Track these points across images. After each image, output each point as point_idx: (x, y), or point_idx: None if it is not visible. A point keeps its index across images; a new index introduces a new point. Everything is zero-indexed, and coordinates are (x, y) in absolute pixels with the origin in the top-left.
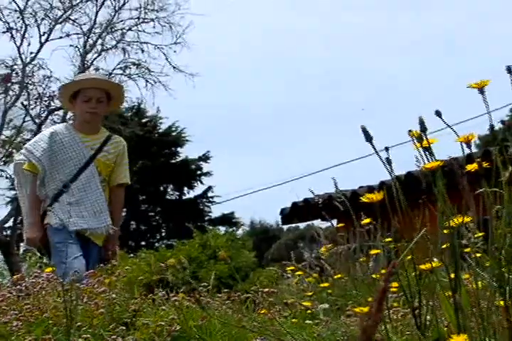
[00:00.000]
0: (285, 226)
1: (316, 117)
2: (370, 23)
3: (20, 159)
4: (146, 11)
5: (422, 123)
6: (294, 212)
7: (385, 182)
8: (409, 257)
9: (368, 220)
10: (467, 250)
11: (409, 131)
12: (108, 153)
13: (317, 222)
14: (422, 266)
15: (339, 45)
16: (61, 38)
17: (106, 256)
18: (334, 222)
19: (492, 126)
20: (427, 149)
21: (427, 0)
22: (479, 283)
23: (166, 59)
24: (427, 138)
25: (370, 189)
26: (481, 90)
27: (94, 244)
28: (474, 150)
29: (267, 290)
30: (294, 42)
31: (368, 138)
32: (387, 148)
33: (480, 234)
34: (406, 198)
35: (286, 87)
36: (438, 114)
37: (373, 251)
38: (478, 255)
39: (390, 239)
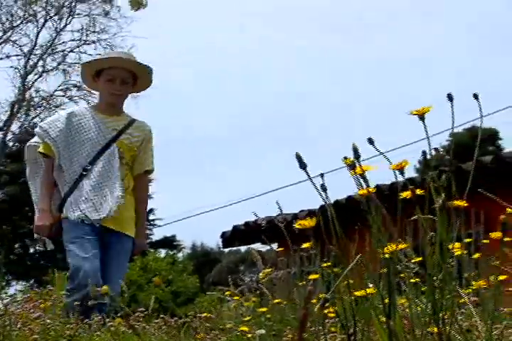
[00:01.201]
0: (226, 250)
1: (261, 140)
2: (313, 47)
3: (35, 141)
4: (88, 33)
5: (355, 150)
6: (235, 236)
7: (337, 201)
8: (345, 282)
9: (307, 244)
10: (403, 275)
11: (344, 157)
12: (132, 136)
13: (257, 246)
14: (357, 293)
15: (282, 67)
16: (1, 59)
17: (136, 248)
18: (275, 245)
19: (425, 153)
20: (362, 176)
21: (364, 26)
22: (416, 308)
23: None
24: (360, 165)
25: (311, 212)
26: (422, 117)
27: (121, 234)
28: (416, 174)
29: (204, 315)
30: (240, 63)
31: (302, 165)
32: (322, 175)
33: (417, 260)
34: (348, 222)
35: (230, 109)
36: (370, 141)
37: (312, 276)
38: (415, 280)
39: (328, 264)
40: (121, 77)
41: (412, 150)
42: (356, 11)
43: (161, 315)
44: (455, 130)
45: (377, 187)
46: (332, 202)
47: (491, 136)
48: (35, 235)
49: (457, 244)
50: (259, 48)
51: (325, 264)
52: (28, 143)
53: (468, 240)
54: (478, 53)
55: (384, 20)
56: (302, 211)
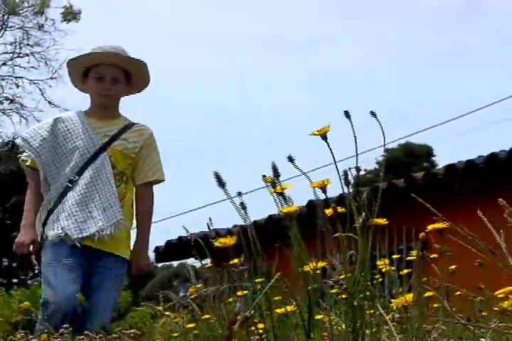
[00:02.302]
0: (160, 264)
1: (196, 155)
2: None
3: (24, 155)
4: (21, 45)
5: (275, 169)
6: (168, 250)
7: (257, 221)
8: (275, 298)
9: (236, 260)
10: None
11: (263, 176)
12: (128, 142)
13: (191, 261)
14: (278, 310)
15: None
16: None
17: (133, 269)
18: (208, 260)
19: (345, 172)
20: (281, 194)
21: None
22: (337, 326)
23: (42, 94)
24: (280, 184)
25: (243, 228)
26: (324, 136)
27: (110, 255)
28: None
29: (131, 331)
30: (176, 82)
31: (221, 183)
32: (239, 193)
33: (344, 276)
34: (274, 238)
35: (164, 124)
36: (290, 159)
37: (241, 292)
38: (340, 297)
39: (259, 280)
40: (110, 74)
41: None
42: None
43: (86, 332)
44: (389, 145)
45: (310, 202)
46: (267, 216)
47: (426, 152)
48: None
49: (385, 261)
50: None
51: (256, 280)
52: (20, 159)
53: (395, 256)
54: (412, 70)
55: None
56: (235, 226)
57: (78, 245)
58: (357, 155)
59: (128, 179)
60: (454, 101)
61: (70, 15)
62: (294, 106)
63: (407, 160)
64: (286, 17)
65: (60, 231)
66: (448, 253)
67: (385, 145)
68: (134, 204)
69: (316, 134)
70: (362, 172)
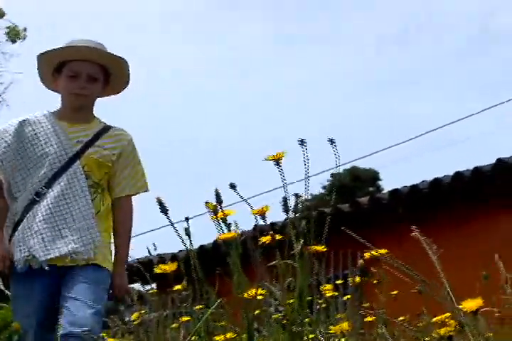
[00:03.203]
0: None
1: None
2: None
3: None
4: None
5: (217, 195)
6: None
7: (204, 246)
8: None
9: (179, 286)
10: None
11: (206, 202)
12: (103, 149)
13: (137, 286)
14: (217, 338)
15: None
16: None
17: (115, 291)
18: (153, 285)
19: (285, 199)
20: (224, 220)
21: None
22: None
23: None
24: (222, 210)
25: (196, 250)
26: (277, 162)
27: (88, 266)
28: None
29: None
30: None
31: (164, 210)
32: (187, 219)
33: (283, 303)
34: (220, 263)
35: None
36: (232, 186)
37: (184, 318)
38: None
39: (200, 306)
40: (86, 71)
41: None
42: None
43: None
44: (336, 170)
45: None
46: (213, 241)
47: (372, 177)
48: None
49: (328, 286)
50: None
51: (197, 307)
52: None
53: (339, 282)
54: (356, 96)
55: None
56: (181, 251)
57: (46, 268)
58: (284, 183)
59: (104, 190)
60: (400, 125)
61: (14, 34)
62: (233, 130)
63: (353, 184)
64: (226, 40)
65: (27, 254)
66: (383, 280)
67: (337, 167)
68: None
69: (270, 159)
70: (306, 197)
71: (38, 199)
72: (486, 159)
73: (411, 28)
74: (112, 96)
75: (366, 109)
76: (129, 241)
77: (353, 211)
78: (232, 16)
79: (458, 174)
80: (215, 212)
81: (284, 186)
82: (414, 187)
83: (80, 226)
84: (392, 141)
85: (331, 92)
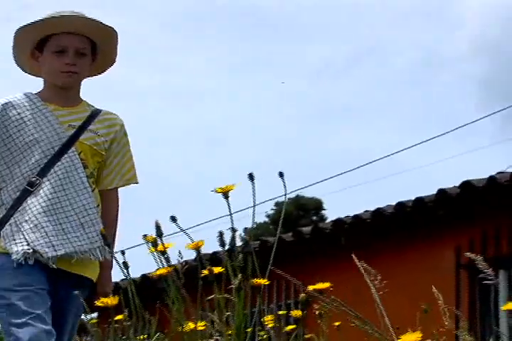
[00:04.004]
0: None
1: None
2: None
3: None
4: None
5: (158, 227)
6: None
7: (146, 275)
8: None
9: (120, 316)
10: None
11: (144, 235)
12: (97, 135)
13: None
14: None
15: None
16: None
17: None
18: (95, 315)
19: (220, 233)
20: (163, 253)
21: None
22: None
23: None
24: (162, 243)
25: (134, 281)
26: (225, 195)
27: (76, 280)
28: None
29: None
30: None
31: (106, 243)
32: (123, 252)
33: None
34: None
35: None
36: (173, 219)
37: None
38: None
39: (142, 337)
40: (75, 46)
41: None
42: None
43: None
44: (280, 199)
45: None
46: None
47: (316, 206)
48: None
49: (270, 317)
50: None
51: (139, 337)
52: None
53: (281, 312)
54: (302, 124)
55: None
56: (123, 279)
57: (53, 266)
58: (231, 215)
59: (95, 182)
60: (345, 155)
61: None
62: (175, 161)
63: (297, 213)
64: (172, 69)
65: (27, 247)
66: (325, 312)
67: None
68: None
69: (218, 192)
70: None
71: (31, 189)
72: (428, 189)
73: (355, 58)
74: (94, 77)
75: (312, 138)
76: (115, 237)
77: (295, 240)
78: (170, 45)
79: (400, 204)
80: (155, 245)
81: (231, 218)
82: (356, 216)
83: (83, 221)
84: (336, 171)
85: (274, 122)
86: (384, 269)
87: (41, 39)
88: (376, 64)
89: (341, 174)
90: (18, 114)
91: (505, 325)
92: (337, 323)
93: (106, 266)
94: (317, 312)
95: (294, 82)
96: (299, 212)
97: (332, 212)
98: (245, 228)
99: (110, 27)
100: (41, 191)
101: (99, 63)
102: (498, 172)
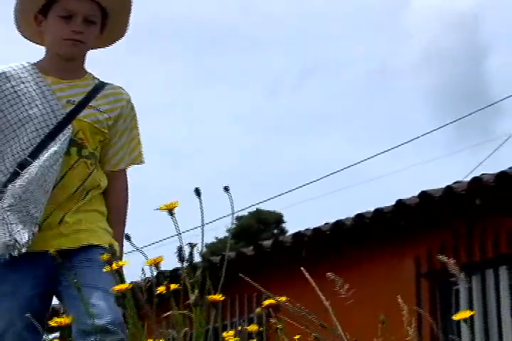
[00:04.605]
0: None
1: None
2: None
3: None
4: None
5: (111, 247)
6: None
7: None
8: None
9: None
10: None
11: (101, 253)
12: (98, 111)
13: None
14: None
15: None
16: None
17: None
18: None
19: (180, 248)
20: (117, 271)
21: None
22: None
23: None
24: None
25: None
26: (171, 212)
27: (80, 248)
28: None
29: None
30: None
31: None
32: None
33: None
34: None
35: None
36: (127, 237)
37: None
38: None
39: None
40: (83, 12)
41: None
42: None
43: None
44: (240, 213)
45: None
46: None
47: (276, 219)
48: None
49: (230, 332)
50: None
51: None
52: None
53: (240, 328)
54: (258, 137)
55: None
56: None
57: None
58: (179, 233)
59: (97, 162)
60: (303, 166)
61: None
62: (139, 173)
63: (258, 227)
64: (125, 85)
65: (8, 239)
66: (283, 326)
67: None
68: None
69: (163, 209)
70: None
71: (21, 172)
72: (387, 200)
73: (307, 70)
74: (101, 49)
75: (269, 151)
76: (125, 222)
77: (256, 254)
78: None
79: (359, 216)
80: (110, 263)
81: (179, 236)
82: (316, 229)
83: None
84: (296, 183)
85: (230, 135)
86: (345, 281)
87: (47, 2)
88: (330, 75)
89: (301, 187)
90: (13, 86)
91: (466, 333)
92: (297, 337)
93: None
94: (275, 327)
95: (250, 95)
96: (260, 225)
97: (293, 225)
98: (201, 244)
99: None
100: (31, 174)
101: (107, 34)
102: (456, 182)
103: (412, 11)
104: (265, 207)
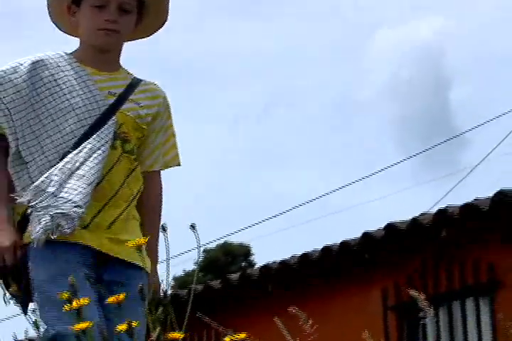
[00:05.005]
0: None
1: None
2: None
3: None
4: None
5: (72, 285)
6: None
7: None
8: None
9: None
10: None
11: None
12: (139, 106)
13: None
14: None
15: None
16: None
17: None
18: None
19: (141, 287)
20: (77, 311)
21: None
22: None
23: None
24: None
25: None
26: (139, 248)
27: (134, 267)
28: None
29: None
30: None
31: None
32: (33, 311)
33: None
34: None
35: None
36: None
37: None
38: None
39: None
40: (117, 0)
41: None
42: None
43: None
44: (209, 246)
45: None
46: None
47: (244, 252)
48: None
49: None
50: None
51: None
52: None
53: None
54: (224, 170)
55: None
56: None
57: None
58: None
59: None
60: (272, 200)
61: None
62: None
63: (226, 260)
64: None
65: (54, 227)
66: None
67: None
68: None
69: (131, 245)
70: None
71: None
72: (356, 231)
73: (271, 104)
74: (139, 40)
75: (236, 184)
76: (159, 226)
77: (223, 287)
78: None
79: (326, 248)
80: (70, 302)
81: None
82: (283, 262)
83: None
84: (264, 216)
85: (196, 168)
86: (312, 314)
87: None
88: (295, 108)
89: (269, 219)
90: (51, 75)
91: None
92: None
93: (153, 254)
94: None
95: (214, 128)
96: (228, 258)
97: (262, 257)
98: (167, 278)
99: None
100: (69, 165)
101: (145, 24)
102: (422, 214)
103: (376, 43)
104: (233, 239)
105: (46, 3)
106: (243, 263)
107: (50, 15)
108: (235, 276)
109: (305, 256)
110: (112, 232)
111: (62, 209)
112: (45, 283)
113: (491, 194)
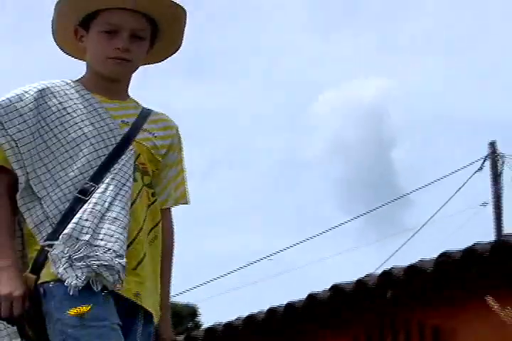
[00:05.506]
0: None
1: None
2: None
3: None
4: None
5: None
6: None
7: None
8: None
9: None
10: None
11: None
12: (153, 136)
13: None
14: None
15: None
16: None
17: None
18: None
19: None
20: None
21: None
22: None
23: None
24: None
25: None
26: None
27: (146, 318)
28: None
29: None
30: None
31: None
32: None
33: None
34: None
35: None
36: None
37: None
38: None
39: None
40: (130, 27)
41: None
42: None
43: None
44: None
45: None
46: None
47: (190, 313)
48: None
49: None
50: None
51: None
52: None
53: None
54: None
55: None
56: None
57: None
58: None
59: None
60: (217, 259)
61: None
62: None
63: (172, 321)
64: None
65: (83, 273)
66: None
67: None
68: None
69: (73, 314)
70: None
71: (85, 198)
72: (302, 291)
73: (217, 161)
74: (151, 65)
75: (182, 244)
76: (172, 268)
77: None
78: None
79: (271, 310)
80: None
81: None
82: (228, 324)
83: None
84: (211, 275)
85: None
86: None
87: (88, 14)
88: (240, 167)
89: (216, 279)
90: (60, 103)
91: None
92: None
93: (165, 300)
94: None
95: None
96: (174, 319)
97: (209, 318)
98: None
99: (179, 4)
100: (97, 200)
101: (158, 49)
102: (367, 275)
103: (320, 103)
104: (179, 300)
105: (51, 21)
106: (189, 324)
107: (53, 36)
108: (179, 339)
109: (250, 317)
110: (140, 276)
111: (105, 260)
112: (73, 328)
113: (435, 255)
